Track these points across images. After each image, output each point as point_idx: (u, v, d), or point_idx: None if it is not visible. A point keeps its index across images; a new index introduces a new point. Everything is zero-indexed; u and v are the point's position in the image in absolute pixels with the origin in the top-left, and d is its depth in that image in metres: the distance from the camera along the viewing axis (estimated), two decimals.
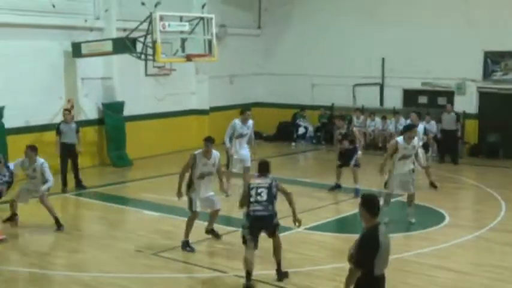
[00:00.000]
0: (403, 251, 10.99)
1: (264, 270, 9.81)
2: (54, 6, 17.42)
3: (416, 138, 12.89)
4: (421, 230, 12.40)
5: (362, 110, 22.75)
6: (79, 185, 16.02)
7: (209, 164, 11.05)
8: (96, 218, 14.03)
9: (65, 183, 15.80)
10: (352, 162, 15.38)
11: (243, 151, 14.97)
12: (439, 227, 12.64)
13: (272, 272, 9.70)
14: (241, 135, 14.80)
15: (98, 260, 10.90)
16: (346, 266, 10.13)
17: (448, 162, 19.56)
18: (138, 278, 9.97)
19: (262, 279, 9.53)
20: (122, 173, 18.41)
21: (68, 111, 16.08)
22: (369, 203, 6.30)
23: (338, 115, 16.62)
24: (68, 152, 15.85)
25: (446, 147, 20.05)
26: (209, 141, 11.07)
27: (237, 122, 14.87)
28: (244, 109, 15.49)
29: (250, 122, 15.08)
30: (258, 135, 23.61)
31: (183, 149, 20.88)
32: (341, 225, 12.97)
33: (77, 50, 17.86)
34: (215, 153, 11.19)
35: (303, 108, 23.86)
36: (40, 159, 12.51)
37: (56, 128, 15.94)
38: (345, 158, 15.49)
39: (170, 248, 11.20)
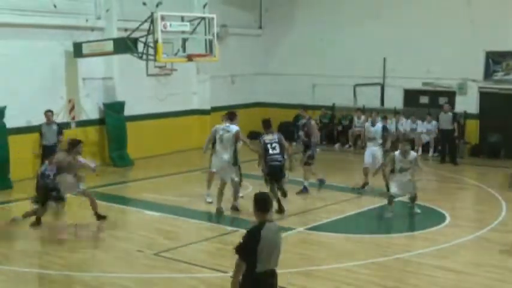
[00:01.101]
0: (404, 251, 11.01)
1: None
2: (55, 6, 17.45)
3: (413, 153, 13.40)
4: (422, 230, 12.40)
5: (363, 110, 22.73)
6: None
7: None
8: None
9: None
10: (304, 159, 15.38)
11: (225, 155, 14.36)
12: (440, 227, 12.63)
13: None
14: (221, 140, 14.27)
15: (98, 260, 10.92)
16: (346, 266, 10.24)
17: (449, 162, 19.55)
18: (139, 278, 9.98)
19: None
20: (123, 173, 18.42)
21: (50, 112, 15.80)
22: (257, 201, 6.54)
23: (302, 106, 16.72)
24: (47, 155, 15.21)
25: (444, 147, 20.04)
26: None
27: (218, 125, 14.36)
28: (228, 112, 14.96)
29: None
30: (259, 135, 23.68)
31: (185, 149, 20.97)
32: (341, 226, 12.94)
33: (78, 50, 17.87)
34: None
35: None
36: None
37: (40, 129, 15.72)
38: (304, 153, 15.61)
39: (171, 248, 11.23)
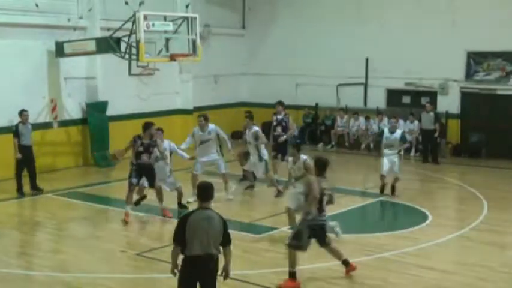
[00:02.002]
0: (386, 251, 11.05)
1: (247, 271, 9.83)
2: (37, 5, 17.35)
3: (302, 157, 11.71)
4: (404, 229, 12.45)
5: (346, 110, 22.82)
6: (35, 188, 15.46)
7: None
8: (79, 218, 13.92)
9: (20, 187, 15.26)
10: (286, 157, 15.35)
11: (208, 157, 14.55)
12: (422, 226, 12.70)
13: (253, 272, 9.75)
14: (201, 142, 14.35)
15: (81, 260, 10.84)
16: (327, 265, 10.25)
17: (431, 162, 19.64)
18: (122, 278, 9.94)
19: (245, 279, 9.53)
20: (105, 173, 18.32)
21: (26, 111, 15.42)
22: (199, 189, 7.15)
23: (278, 101, 16.52)
24: (27, 155, 15.22)
25: (426, 147, 20.14)
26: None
27: (195, 129, 14.48)
28: (200, 114, 14.99)
29: (211, 126, 14.44)
30: (242, 134, 23.66)
31: None
32: None
33: (60, 50, 17.76)
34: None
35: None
36: (166, 141, 13.67)
37: (14, 129, 15.25)
38: (280, 149, 15.56)
39: (154, 248, 11.19)
